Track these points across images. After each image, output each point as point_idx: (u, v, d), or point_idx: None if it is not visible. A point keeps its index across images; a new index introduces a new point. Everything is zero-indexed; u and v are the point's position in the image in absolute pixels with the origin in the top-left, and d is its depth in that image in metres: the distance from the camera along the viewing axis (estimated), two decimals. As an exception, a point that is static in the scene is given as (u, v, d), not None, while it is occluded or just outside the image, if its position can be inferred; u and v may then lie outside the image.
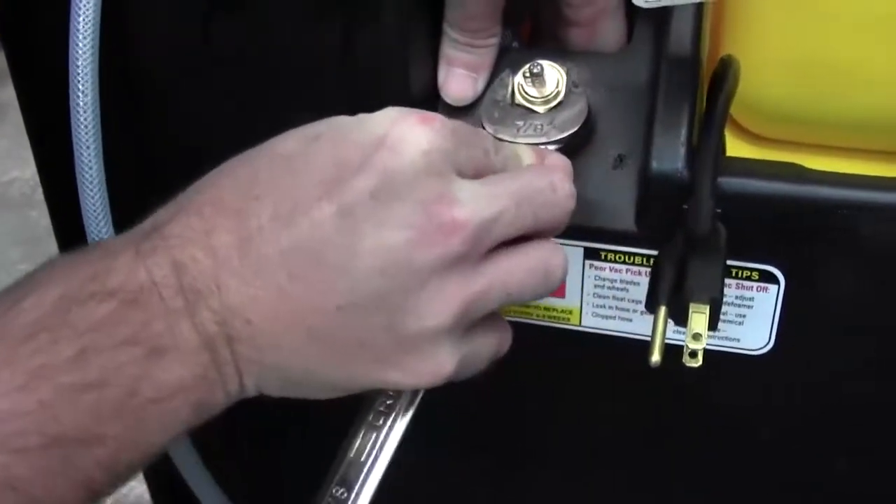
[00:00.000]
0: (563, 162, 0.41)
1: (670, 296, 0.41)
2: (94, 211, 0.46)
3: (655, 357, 0.40)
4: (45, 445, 0.32)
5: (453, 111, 0.46)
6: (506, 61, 0.47)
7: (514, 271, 0.38)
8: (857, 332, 0.46)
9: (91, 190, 0.46)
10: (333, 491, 0.40)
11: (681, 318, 0.41)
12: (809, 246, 0.45)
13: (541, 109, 0.45)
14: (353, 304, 0.36)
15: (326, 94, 0.46)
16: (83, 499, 0.34)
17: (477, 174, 0.38)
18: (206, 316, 0.35)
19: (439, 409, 0.41)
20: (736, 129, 0.72)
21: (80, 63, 0.44)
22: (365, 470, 0.40)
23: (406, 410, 0.41)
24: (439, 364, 0.38)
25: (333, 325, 0.36)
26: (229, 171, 0.38)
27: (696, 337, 0.40)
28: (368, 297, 0.36)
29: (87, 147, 0.45)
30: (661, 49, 0.44)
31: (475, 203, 0.36)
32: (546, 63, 0.45)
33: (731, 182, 0.44)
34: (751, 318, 0.46)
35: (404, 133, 0.36)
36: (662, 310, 0.41)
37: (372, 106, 0.39)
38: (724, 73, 0.44)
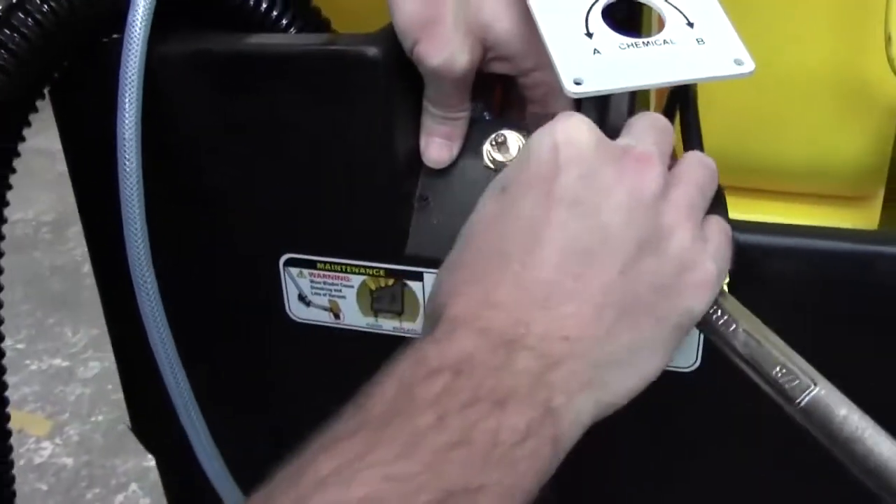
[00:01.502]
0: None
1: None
2: (138, 253, 0.57)
3: None
4: (440, 500, 0.36)
5: (434, 173, 0.57)
6: (478, 130, 0.58)
7: (690, 170, 0.47)
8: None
9: (135, 236, 0.57)
10: (774, 373, 0.45)
11: None
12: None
13: None
14: (625, 262, 0.42)
15: (323, 161, 0.57)
16: None
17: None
18: (525, 355, 0.40)
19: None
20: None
21: (126, 134, 0.55)
22: (772, 339, 0.46)
23: (728, 297, 0.47)
24: (706, 269, 0.44)
25: (625, 289, 0.42)
26: (464, 254, 0.45)
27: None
28: (631, 249, 0.42)
29: (132, 202, 0.56)
30: (603, 119, 0.55)
31: (640, 140, 0.46)
32: (508, 132, 0.56)
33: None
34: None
35: (564, 131, 0.44)
36: None
37: (364, 171, 0.50)
38: (688, 97, 0.55)
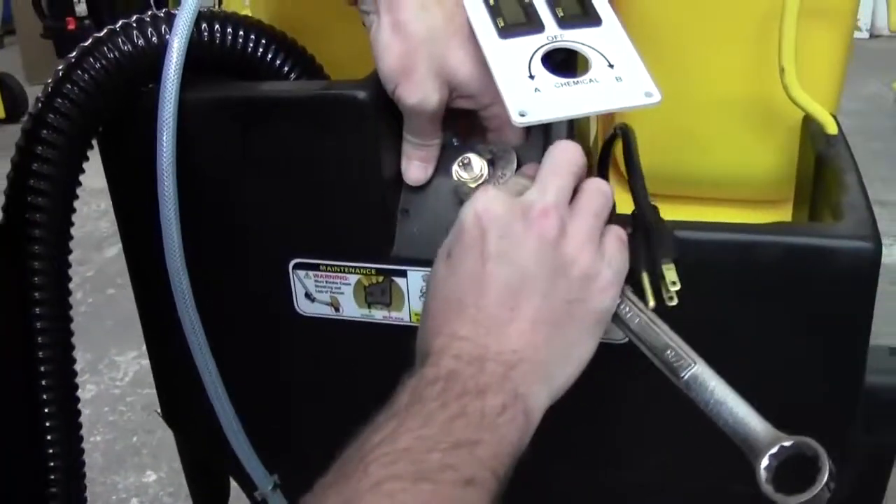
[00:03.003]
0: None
1: (647, 265, 0.64)
2: (175, 262, 0.71)
3: (652, 302, 0.62)
4: (452, 447, 0.52)
5: (413, 190, 0.71)
6: (448, 153, 0.72)
7: (586, 200, 0.61)
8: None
9: (173, 248, 0.71)
10: (665, 355, 0.60)
11: (658, 278, 0.63)
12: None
13: (472, 185, 0.70)
14: (544, 290, 0.58)
15: (324, 183, 0.71)
16: (473, 497, 0.51)
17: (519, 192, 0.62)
18: (491, 364, 0.56)
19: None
20: (625, 184, 0.98)
21: (164, 164, 0.69)
22: (657, 328, 0.61)
23: (628, 293, 0.62)
24: (605, 276, 0.60)
25: (549, 308, 0.58)
26: (432, 305, 0.61)
27: (673, 283, 0.63)
28: (546, 280, 0.58)
29: (170, 220, 0.70)
30: (546, 144, 0.70)
31: (543, 192, 0.60)
32: (472, 155, 0.70)
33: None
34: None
35: (483, 203, 0.60)
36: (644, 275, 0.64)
37: (356, 190, 0.64)
38: (627, 134, 0.70)
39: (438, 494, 0.50)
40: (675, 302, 0.63)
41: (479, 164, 0.70)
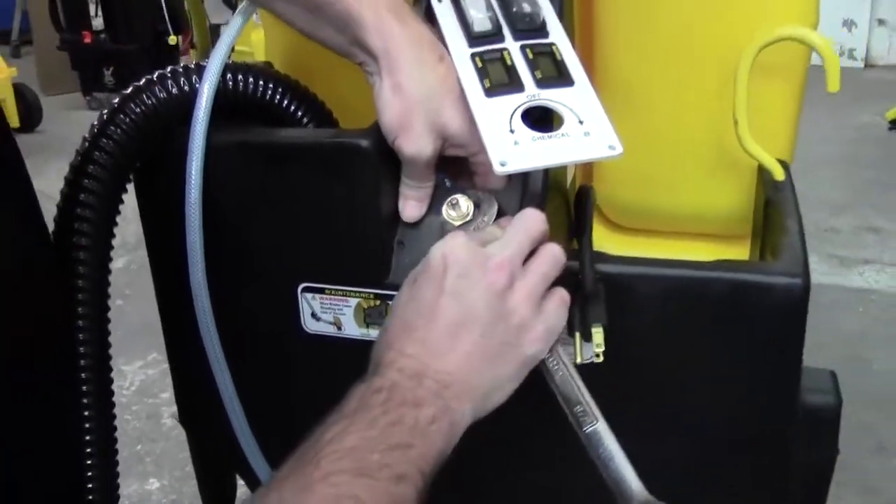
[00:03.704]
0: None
1: (580, 326, 0.75)
2: (199, 284, 0.81)
3: (578, 359, 0.74)
4: (390, 448, 0.62)
5: (408, 225, 0.82)
6: (440, 194, 0.82)
7: (538, 263, 0.71)
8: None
9: (197, 272, 0.81)
10: (575, 409, 0.70)
11: (588, 337, 0.75)
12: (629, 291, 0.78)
13: (458, 223, 0.80)
14: (483, 330, 0.68)
15: (331, 219, 0.82)
16: (402, 491, 0.61)
17: (486, 242, 0.72)
18: (428, 382, 0.66)
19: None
20: (608, 223, 1.09)
21: (192, 198, 0.80)
22: (575, 384, 0.71)
23: (561, 349, 0.72)
24: (538, 329, 0.70)
25: (485, 345, 0.68)
26: (391, 322, 0.71)
27: (598, 345, 0.74)
28: (488, 322, 0.68)
29: (195, 247, 0.81)
30: (524, 188, 0.80)
31: (504, 247, 0.71)
32: (460, 196, 0.81)
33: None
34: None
35: (450, 246, 0.70)
36: (577, 335, 0.75)
37: (359, 225, 0.75)
38: (587, 196, 0.80)
39: (375, 488, 0.60)
40: (601, 359, 0.75)
41: (465, 204, 0.80)
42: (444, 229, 0.80)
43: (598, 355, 0.74)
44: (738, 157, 0.93)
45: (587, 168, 1.07)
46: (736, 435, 0.82)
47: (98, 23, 4.37)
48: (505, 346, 0.70)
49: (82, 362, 0.83)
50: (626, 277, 0.76)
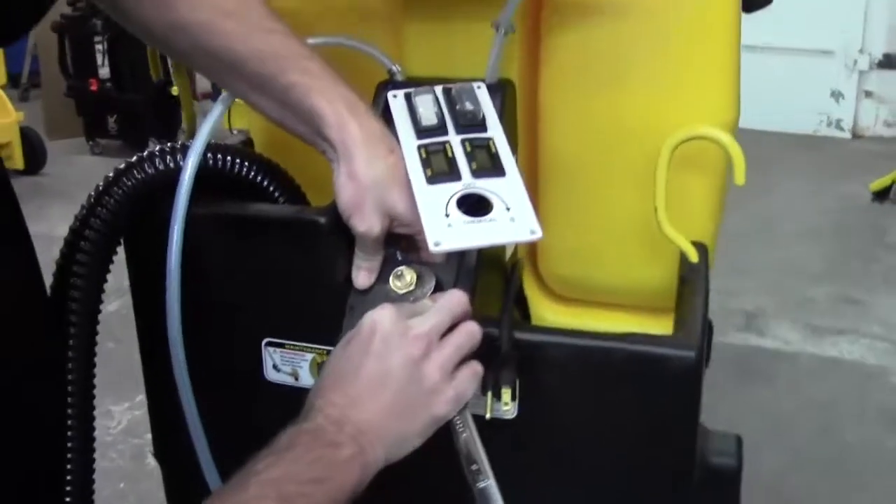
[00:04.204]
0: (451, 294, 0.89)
1: (492, 386, 0.89)
2: (175, 338, 0.95)
3: (487, 415, 0.88)
4: (312, 480, 0.74)
5: (359, 292, 0.95)
6: (388, 265, 0.95)
7: (456, 338, 0.84)
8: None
9: (174, 326, 0.94)
10: (471, 466, 0.82)
11: (498, 396, 0.88)
12: (540, 357, 0.92)
13: (402, 292, 0.93)
14: (398, 389, 0.81)
15: (293, 284, 0.95)
16: None
17: (415, 314, 0.85)
18: (349, 428, 0.78)
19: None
20: (549, 294, 1.22)
21: (173, 263, 0.94)
22: (475, 445, 0.83)
23: (469, 413, 0.85)
24: (447, 395, 0.82)
25: (398, 402, 0.80)
26: (325, 373, 0.84)
27: (506, 404, 0.88)
28: (403, 383, 0.81)
29: (173, 303, 0.94)
30: (460, 264, 0.93)
31: (426, 321, 0.83)
32: (405, 268, 0.94)
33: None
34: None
35: (379, 315, 0.83)
36: (489, 393, 0.89)
37: (317, 291, 0.88)
38: (514, 271, 0.94)
39: None
40: (511, 415, 0.89)
41: (409, 276, 0.93)
42: (389, 297, 0.93)
43: (508, 411, 0.88)
44: (664, 238, 1.06)
45: (531, 244, 1.20)
46: (634, 493, 0.95)
47: (105, 72, 4.54)
48: (416, 406, 0.82)
49: (69, 400, 0.96)
50: (540, 344, 0.90)
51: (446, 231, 0.87)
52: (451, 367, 0.84)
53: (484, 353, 0.87)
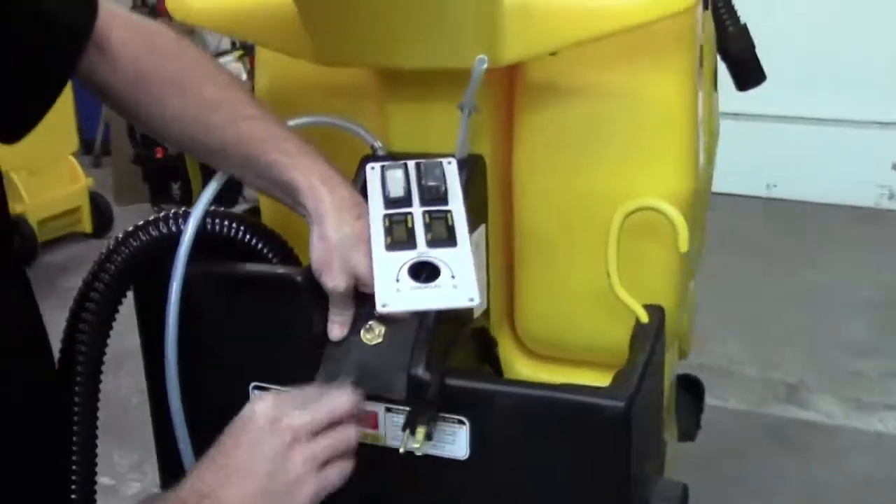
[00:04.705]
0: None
1: (410, 424, 1.01)
2: (172, 381, 1.10)
3: (402, 448, 1.00)
4: None
5: (333, 343, 1.08)
6: (360, 318, 1.08)
7: (328, 435, 0.93)
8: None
9: (171, 371, 1.10)
10: None
11: (414, 433, 1.01)
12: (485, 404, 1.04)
13: (372, 343, 1.07)
14: (266, 473, 0.89)
15: (279, 338, 1.10)
16: None
17: (301, 405, 0.94)
18: (208, 502, 0.88)
19: None
20: (524, 350, 1.35)
21: (170, 319, 1.09)
22: None
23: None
24: (309, 486, 0.91)
25: (263, 486, 0.89)
26: (204, 456, 0.93)
27: (418, 441, 0.99)
28: (269, 468, 0.90)
29: (171, 353, 1.09)
30: (421, 320, 1.07)
31: (302, 415, 0.92)
32: (374, 322, 1.07)
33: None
34: (459, 438, 1.05)
35: (259, 403, 0.94)
36: (420, 430, 1.01)
37: (299, 343, 1.03)
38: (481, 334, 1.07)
39: None
40: (420, 451, 1.00)
41: (378, 329, 1.07)
42: (360, 347, 1.06)
43: (419, 448, 1.00)
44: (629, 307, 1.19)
45: (508, 304, 1.33)
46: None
47: (171, 140, 4.79)
48: (280, 493, 0.91)
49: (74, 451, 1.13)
50: (484, 392, 1.03)
51: (394, 294, 1.01)
52: (319, 462, 0.93)
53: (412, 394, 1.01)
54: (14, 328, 1.00)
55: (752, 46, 1.51)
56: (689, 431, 1.70)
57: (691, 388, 1.73)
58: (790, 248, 4.52)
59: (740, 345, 3.63)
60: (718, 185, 5.33)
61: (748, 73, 1.51)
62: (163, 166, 4.80)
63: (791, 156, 5.25)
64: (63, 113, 4.61)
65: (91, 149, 5.98)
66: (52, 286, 4.13)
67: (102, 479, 2.90)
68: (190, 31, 3.50)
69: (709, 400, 3.20)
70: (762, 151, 5.34)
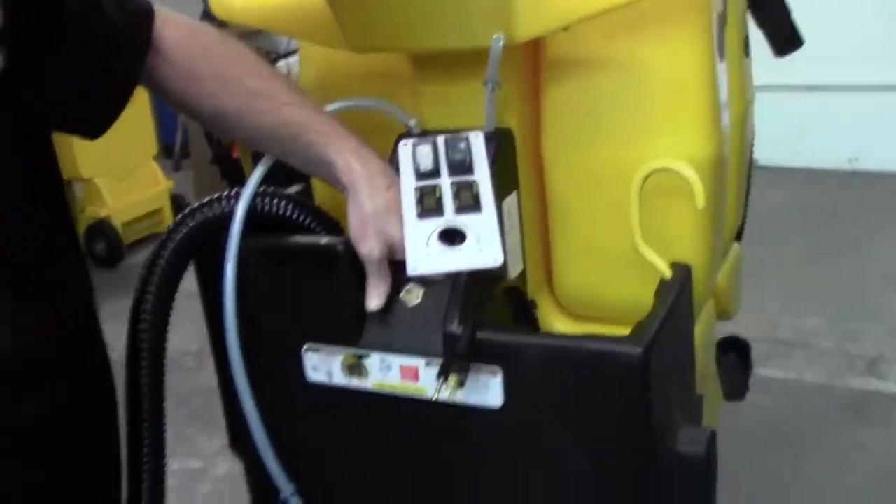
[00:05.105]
0: None
1: (448, 372, 1.12)
2: (233, 346, 1.23)
3: (436, 396, 1.12)
4: None
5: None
6: (402, 283, 1.20)
7: None
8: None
9: (232, 340, 1.23)
10: None
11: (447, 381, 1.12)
12: (515, 355, 1.15)
13: (411, 304, 1.18)
14: None
15: (325, 304, 1.22)
16: None
17: None
18: None
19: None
20: (562, 311, 1.45)
21: (228, 290, 1.22)
22: None
23: None
24: None
25: None
26: None
27: (452, 388, 1.12)
28: None
29: (231, 323, 1.23)
30: (455, 281, 1.18)
31: None
32: (413, 285, 1.18)
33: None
34: (493, 387, 1.16)
35: None
36: (452, 378, 1.12)
37: (342, 311, 1.16)
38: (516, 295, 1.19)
39: None
40: (456, 399, 1.12)
41: (416, 291, 1.19)
42: (402, 307, 1.18)
43: (450, 396, 1.12)
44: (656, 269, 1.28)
45: (546, 268, 1.44)
46: (598, 478, 1.15)
47: (245, 139, 4.97)
48: None
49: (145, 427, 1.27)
50: (512, 343, 1.13)
51: (424, 258, 1.13)
52: None
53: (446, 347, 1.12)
54: (74, 327, 1.13)
55: (787, 12, 1.57)
56: (737, 391, 1.78)
57: (737, 349, 1.80)
58: (871, 221, 4.52)
59: (818, 318, 3.66)
60: (797, 160, 5.40)
61: (783, 38, 1.57)
62: (239, 164, 4.99)
63: (873, 127, 5.24)
64: (142, 119, 4.86)
65: (171, 153, 6.24)
66: (137, 286, 4.36)
67: (191, 463, 3.11)
68: (257, 33, 3.68)
69: (785, 373, 3.30)
70: (843, 124, 5.33)
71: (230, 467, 3.03)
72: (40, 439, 1.07)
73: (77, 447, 1.11)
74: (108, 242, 4.95)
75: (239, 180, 4.88)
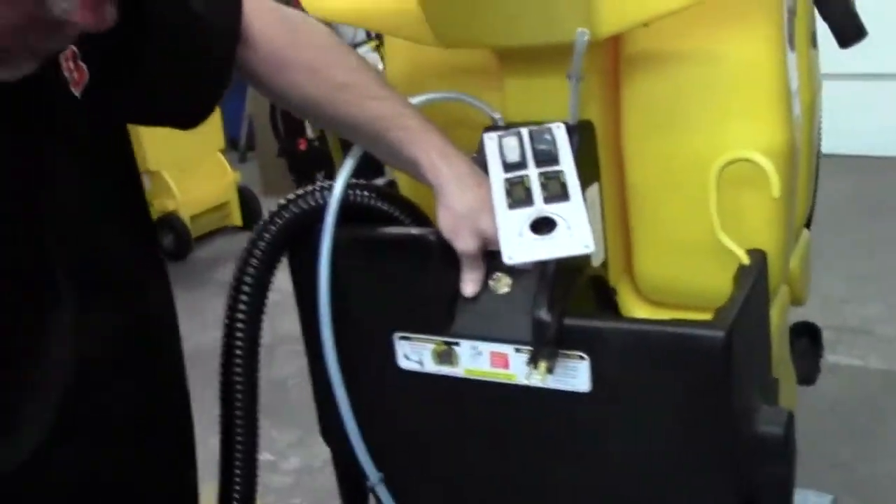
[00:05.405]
0: None
1: (537, 359, 1.17)
2: (327, 338, 1.28)
3: (526, 381, 1.17)
4: None
5: (466, 299, 1.24)
6: (492, 271, 1.25)
7: None
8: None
9: (326, 331, 1.28)
10: None
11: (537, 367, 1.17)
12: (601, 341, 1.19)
13: (501, 292, 1.23)
14: None
15: (415, 288, 1.28)
16: None
17: None
18: None
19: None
20: (641, 297, 1.49)
21: (322, 278, 1.28)
22: None
23: None
24: None
25: None
26: None
27: (542, 374, 1.16)
28: None
29: (325, 313, 1.28)
30: (542, 270, 1.22)
31: None
32: (501, 274, 1.23)
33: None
34: (581, 373, 1.20)
35: None
36: (542, 364, 1.17)
37: (434, 299, 1.21)
38: (598, 282, 1.23)
39: None
40: (544, 384, 1.17)
41: (505, 280, 1.24)
42: (491, 296, 1.23)
43: (540, 381, 1.17)
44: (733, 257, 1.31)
45: (626, 257, 1.48)
46: (680, 458, 1.19)
47: (311, 132, 5.07)
48: None
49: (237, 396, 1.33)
50: (598, 329, 1.18)
51: (518, 247, 1.18)
52: None
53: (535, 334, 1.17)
54: (156, 318, 1.12)
55: (851, 5, 1.60)
56: (808, 376, 1.80)
57: (808, 334, 1.83)
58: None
59: (881, 305, 3.65)
60: (863, 149, 5.36)
61: (847, 30, 1.60)
62: (306, 157, 5.07)
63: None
64: (209, 112, 4.92)
65: (237, 145, 6.33)
66: (207, 278, 4.46)
67: (264, 455, 3.19)
68: (327, 24, 3.74)
69: (849, 359, 3.30)
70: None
71: (301, 461, 3.10)
72: (125, 431, 1.07)
73: (155, 438, 1.12)
74: (176, 236, 5.01)
75: (306, 173, 4.99)
